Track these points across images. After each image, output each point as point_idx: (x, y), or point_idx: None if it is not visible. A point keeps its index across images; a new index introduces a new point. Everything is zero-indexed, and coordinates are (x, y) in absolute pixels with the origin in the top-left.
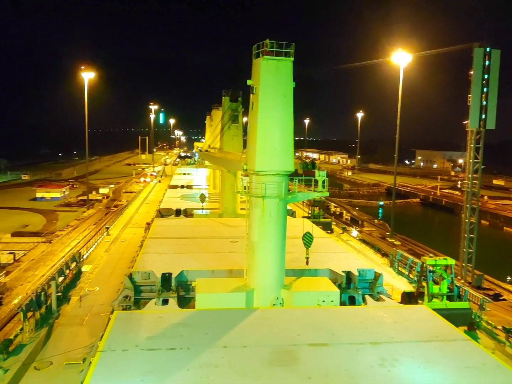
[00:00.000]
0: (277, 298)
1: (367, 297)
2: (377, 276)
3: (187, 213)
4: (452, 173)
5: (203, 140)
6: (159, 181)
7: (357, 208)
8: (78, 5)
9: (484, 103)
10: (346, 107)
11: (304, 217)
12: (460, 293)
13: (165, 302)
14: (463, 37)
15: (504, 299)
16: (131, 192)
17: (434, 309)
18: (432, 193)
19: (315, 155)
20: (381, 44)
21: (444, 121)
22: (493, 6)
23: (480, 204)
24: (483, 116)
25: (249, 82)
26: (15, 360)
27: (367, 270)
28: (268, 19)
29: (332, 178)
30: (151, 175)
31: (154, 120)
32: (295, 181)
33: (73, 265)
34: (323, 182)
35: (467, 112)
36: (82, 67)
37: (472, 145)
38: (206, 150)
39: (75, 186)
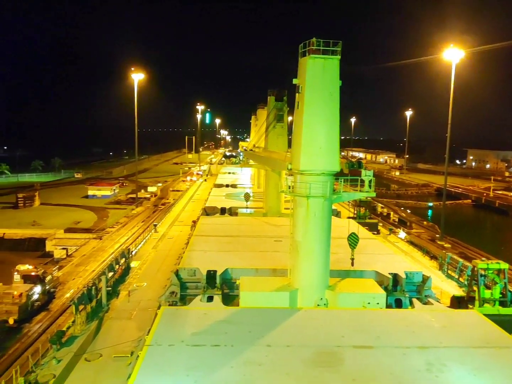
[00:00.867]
0: (321, 298)
1: (414, 300)
2: (425, 279)
3: (232, 211)
4: (507, 174)
5: (248, 139)
6: (205, 180)
7: (405, 209)
8: (128, 7)
9: None
10: (394, 106)
11: (349, 217)
12: None
13: (210, 299)
14: None
15: None
16: (178, 190)
17: (486, 315)
18: (485, 194)
19: (361, 155)
20: (432, 40)
21: (499, 120)
22: None
23: None
24: None
25: (295, 81)
26: (67, 351)
27: (415, 272)
28: (315, 17)
29: (379, 178)
30: (197, 174)
31: (201, 120)
32: (341, 181)
33: (122, 261)
34: (370, 182)
35: None
36: (132, 69)
37: None
38: (251, 150)
39: (124, 184)
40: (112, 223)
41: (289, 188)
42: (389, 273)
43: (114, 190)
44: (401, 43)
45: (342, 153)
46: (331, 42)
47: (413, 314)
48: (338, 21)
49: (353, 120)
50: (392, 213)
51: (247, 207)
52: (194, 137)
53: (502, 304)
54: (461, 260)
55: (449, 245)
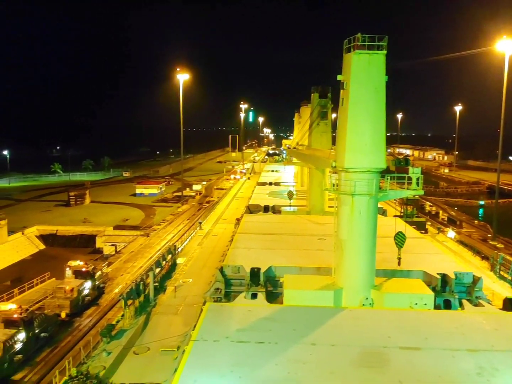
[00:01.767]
0: (367, 298)
1: (464, 301)
2: (476, 280)
3: (275, 209)
4: None
5: (291, 137)
6: (248, 178)
7: (455, 207)
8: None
9: None
10: (443, 100)
11: (396, 216)
12: None
13: (254, 296)
14: None
15: None
16: (222, 188)
17: None
18: None
19: (409, 151)
20: (483, 31)
21: None
22: None
23: None
24: None
25: (339, 77)
26: (116, 344)
27: (465, 273)
28: (361, 12)
29: (427, 175)
30: (241, 172)
31: (244, 118)
32: (387, 178)
33: (169, 257)
34: (417, 179)
35: None
36: (178, 69)
37: None
38: (294, 147)
39: (171, 182)
40: (158, 221)
41: (334, 186)
42: (437, 273)
43: (161, 188)
44: (450, 35)
45: (389, 150)
46: (376, 37)
47: (463, 316)
48: (386, 14)
49: (399, 116)
50: (441, 211)
51: (290, 205)
52: (237, 135)
53: None
54: None
55: (502, 245)
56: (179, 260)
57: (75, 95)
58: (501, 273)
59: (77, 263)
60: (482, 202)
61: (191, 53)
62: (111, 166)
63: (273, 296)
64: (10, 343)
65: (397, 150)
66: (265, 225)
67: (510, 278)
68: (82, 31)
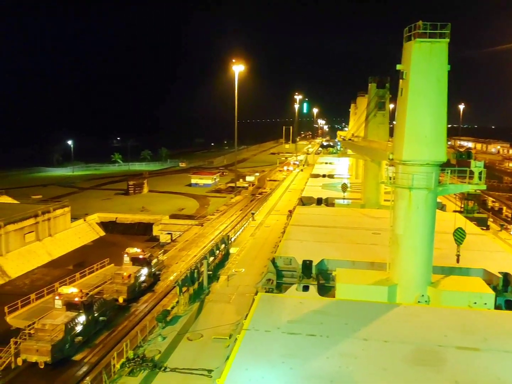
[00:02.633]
0: (423, 295)
1: None
2: None
3: (328, 202)
4: None
5: (346, 128)
6: (301, 170)
7: None
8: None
9: None
10: (508, 91)
11: (456, 211)
12: None
13: (306, 288)
14: None
15: None
16: (275, 180)
17: None
18: None
19: (471, 144)
20: None
21: None
22: None
23: None
24: None
25: (398, 66)
26: (171, 330)
27: None
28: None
29: (491, 169)
30: (294, 164)
31: (298, 109)
32: (447, 172)
33: (222, 246)
34: (480, 173)
35: None
36: (233, 60)
37: None
38: (350, 139)
39: (224, 173)
40: (212, 211)
41: (390, 179)
42: (499, 272)
43: (215, 179)
44: None
45: (449, 142)
46: (438, 24)
47: None
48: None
49: (461, 107)
50: (504, 207)
51: (344, 198)
52: (291, 127)
53: None
54: None
55: None
56: (232, 250)
57: (136, 88)
58: None
59: (134, 250)
60: None
61: (247, 44)
62: (168, 157)
63: (325, 290)
64: (72, 325)
65: (458, 142)
66: (317, 218)
67: None
68: (141, 25)
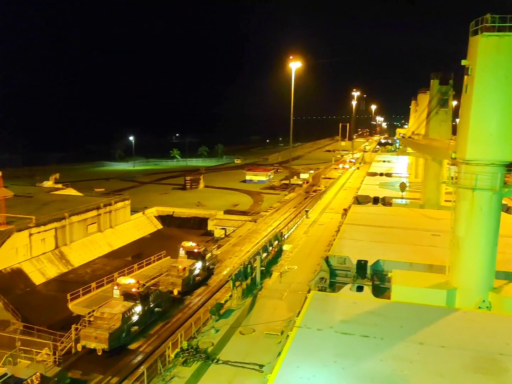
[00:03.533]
0: (484, 301)
1: None
2: None
3: (385, 201)
4: None
5: (406, 126)
6: (358, 168)
7: None
8: None
9: None
10: None
11: None
12: None
13: (360, 289)
14: None
15: None
16: (330, 178)
17: None
18: None
19: None
20: None
21: None
22: None
23: None
24: None
25: (464, 62)
26: (224, 323)
27: None
28: None
29: None
30: (350, 161)
31: (356, 106)
32: None
33: (275, 243)
34: None
35: None
36: (291, 57)
37: None
38: (409, 137)
39: (279, 170)
40: (266, 207)
41: (452, 179)
42: None
43: (269, 176)
44: None
45: None
46: (508, 17)
47: None
48: None
49: None
50: None
51: (402, 198)
52: (348, 124)
53: None
54: None
55: None
56: (285, 247)
57: (195, 86)
58: None
59: (189, 244)
60: None
61: (304, 40)
62: (224, 153)
63: (380, 291)
64: (128, 314)
65: None
66: (373, 217)
67: None
68: (200, 24)
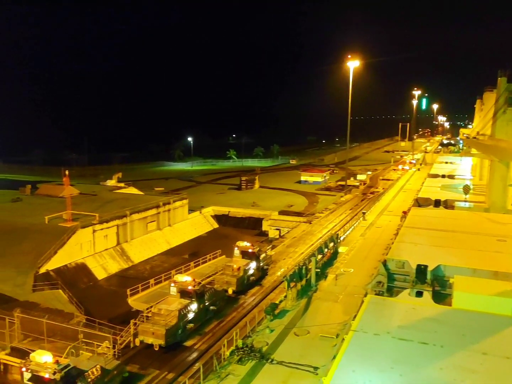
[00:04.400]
0: None
1: None
2: None
3: (447, 204)
4: None
5: (470, 126)
6: (418, 169)
7: None
8: None
9: None
10: None
11: None
12: None
13: (419, 294)
14: None
15: None
16: (388, 179)
17: None
18: None
19: None
20: None
21: None
22: None
23: None
24: None
25: None
26: (279, 323)
27: None
28: None
29: None
30: (410, 163)
31: (416, 105)
32: None
33: (331, 245)
34: None
35: None
36: (349, 56)
37: None
38: (474, 137)
39: (335, 171)
40: (321, 209)
41: None
42: None
43: (325, 177)
44: None
45: None
46: None
47: None
48: None
49: None
50: None
51: (465, 201)
52: (408, 124)
53: None
54: None
55: None
56: (340, 249)
57: (251, 86)
58: None
59: (244, 243)
60: None
61: (362, 37)
62: (279, 154)
63: (441, 297)
64: (184, 312)
65: None
66: (435, 220)
67: None
68: (257, 23)
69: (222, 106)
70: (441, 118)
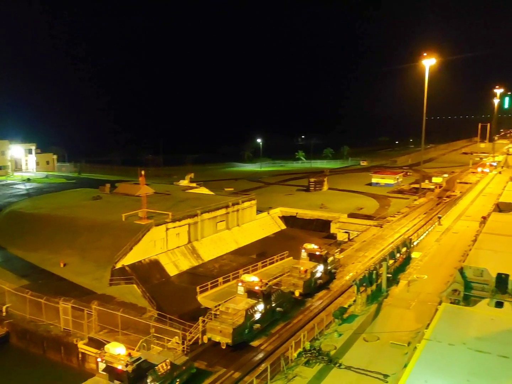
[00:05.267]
0: None
1: None
2: None
3: None
4: None
5: None
6: (500, 172)
7: None
8: None
9: None
10: None
11: None
12: None
13: (499, 304)
14: None
15: None
16: (466, 183)
17: None
18: None
19: None
20: None
21: None
22: None
23: None
24: None
25: None
26: (347, 328)
27: None
28: None
29: None
30: (491, 165)
31: (498, 105)
32: None
33: (404, 250)
34: None
35: None
36: (424, 54)
37: None
38: None
39: (408, 174)
40: (393, 212)
41: None
42: None
43: (398, 179)
44: None
45: None
46: None
47: None
48: None
49: None
50: None
51: None
52: (488, 124)
53: None
54: None
55: None
56: (414, 255)
57: (321, 87)
58: None
59: (312, 246)
60: None
61: (438, 34)
62: (349, 155)
63: None
64: (251, 312)
65: None
66: None
67: None
68: (322, 21)
69: (291, 107)
70: None
